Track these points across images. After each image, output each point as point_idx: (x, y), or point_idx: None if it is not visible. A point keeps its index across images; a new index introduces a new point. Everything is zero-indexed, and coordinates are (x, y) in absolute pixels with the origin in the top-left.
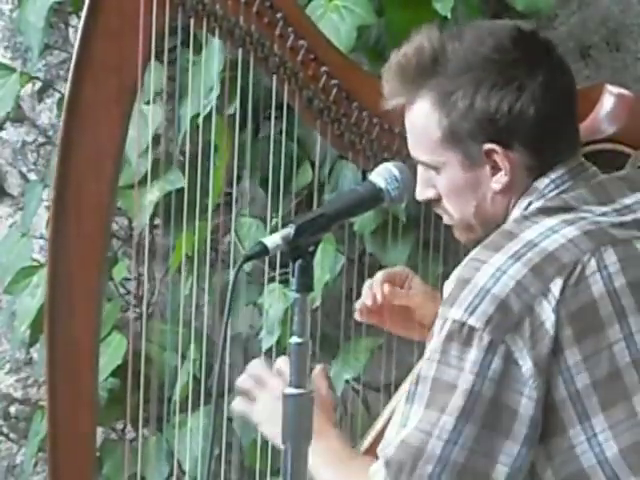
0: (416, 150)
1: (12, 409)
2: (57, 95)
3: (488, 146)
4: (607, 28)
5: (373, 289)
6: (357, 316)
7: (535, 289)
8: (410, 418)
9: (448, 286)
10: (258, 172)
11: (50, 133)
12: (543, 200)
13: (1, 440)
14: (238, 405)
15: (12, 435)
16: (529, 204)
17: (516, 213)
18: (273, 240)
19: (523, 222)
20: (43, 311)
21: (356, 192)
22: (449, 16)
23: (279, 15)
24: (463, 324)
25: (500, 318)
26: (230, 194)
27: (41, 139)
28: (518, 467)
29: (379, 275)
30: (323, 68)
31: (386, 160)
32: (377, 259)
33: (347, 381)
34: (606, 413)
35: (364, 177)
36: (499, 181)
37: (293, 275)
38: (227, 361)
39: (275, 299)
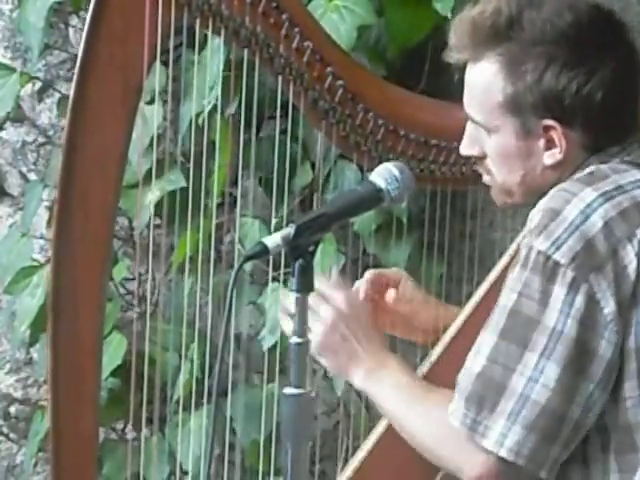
0: (471, 108)
1: (12, 409)
2: (57, 95)
3: (548, 122)
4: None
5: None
6: None
7: (621, 232)
8: (484, 346)
9: (535, 214)
10: (259, 172)
11: (50, 133)
12: (620, 157)
13: (1, 440)
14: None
15: (12, 435)
16: (601, 162)
17: (580, 174)
18: (273, 240)
19: (612, 167)
20: (43, 311)
21: (356, 192)
22: (449, 16)
23: (285, 16)
24: (548, 257)
25: (585, 257)
26: (231, 194)
27: (41, 139)
28: (591, 408)
29: (368, 274)
30: (328, 69)
31: (391, 161)
32: (378, 259)
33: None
34: None
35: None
36: (552, 156)
37: (293, 275)
38: (228, 361)
39: (276, 299)
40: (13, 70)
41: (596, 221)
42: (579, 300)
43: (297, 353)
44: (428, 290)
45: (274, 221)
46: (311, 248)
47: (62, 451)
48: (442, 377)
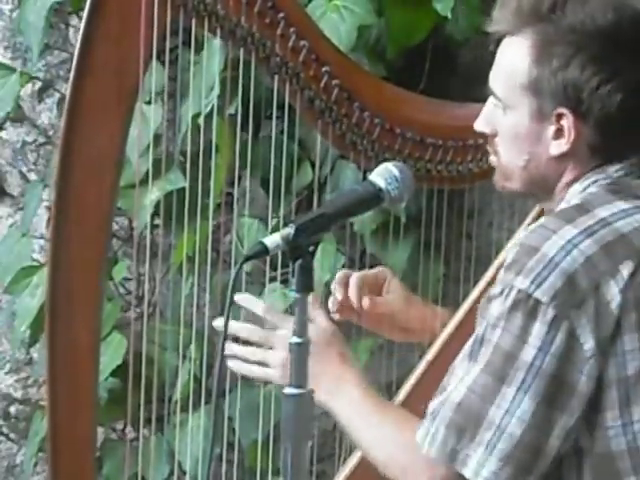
0: (495, 82)
1: (12, 409)
2: (57, 95)
3: (562, 110)
4: None
5: (341, 283)
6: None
7: (604, 268)
8: (467, 377)
9: (512, 250)
10: (259, 172)
11: (50, 133)
12: (610, 180)
13: (1, 440)
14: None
15: (12, 435)
16: (594, 182)
17: (577, 187)
18: (273, 240)
19: (595, 199)
20: (43, 311)
21: (356, 192)
22: (449, 16)
23: (281, 15)
24: (529, 295)
25: (566, 294)
26: (230, 194)
27: (41, 139)
28: (568, 439)
29: (354, 278)
30: (324, 68)
31: (388, 160)
32: (377, 259)
33: None
34: None
35: (364, 177)
36: (559, 147)
37: (293, 275)
38: (227, 361)
39: (275, 299)
40: (13, 70)
41: (577, 257)
42: (560, 337)
43: (297, 353)
44: (427, 290)
45: (273, 221)
46: (311, 248)
47: (60, 452)
48: (438, 376)
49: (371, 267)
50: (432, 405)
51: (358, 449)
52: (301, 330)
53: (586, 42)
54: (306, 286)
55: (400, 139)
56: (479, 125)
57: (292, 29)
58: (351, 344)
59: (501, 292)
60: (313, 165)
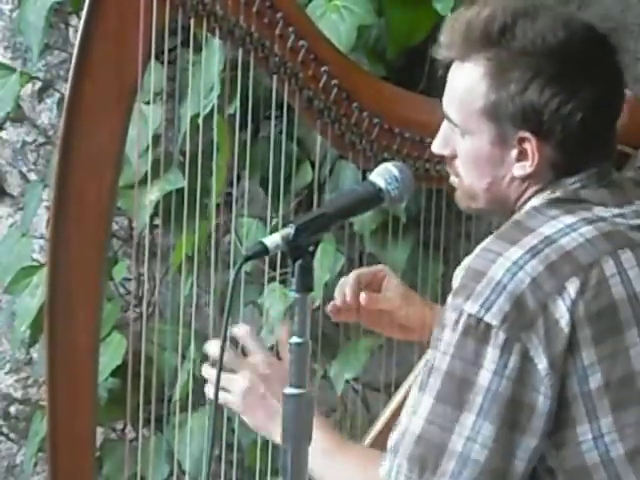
0: (450, 107)
1: (12, 409)
2: (57, 95)
3: (525, 134)
4: (607, 28)
5: (344, 289)
6: (332, 316)
7: (550, 287)
8: (421, 408)
9: (459, 274)
10: (258, 172)
11: (50, 133)
12: (561, 193)
13: (1, 440)
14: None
15: (12, 435)
16: (543, 195)
17: (534, 202)
18: (273, 240)
19: (539, 216)
20: (43, 311)
21: (356, 192)
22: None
23: (279, 15)
24: (479, 320)
25: (516, 316)
26: (230, 194)
27: (41, 139)
28: (533, 459)
29: (352, 275)
30: (323, 68)
31: (386, 160)
32: (377, 259)
33: (347, 381)
34: (616, 415)
35: (364, 177)
36: (522, 169)
37: (293, 275)
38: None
39: (275, 299)
40: (13, 70)
41: (523, 278)
42: (513, 360)
43: (297, 353)
44: (426, 290)
45: (273, 221)
46: (311, 248)
47: (59, 452)
48: None
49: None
50: (392, 440)
51: None
52: (301, 330)
53: (541, 64)
54: (306, 286)
55: (399, 139)
56: (436, 148)
57: (291, 29)
58: (351, 344)
59: (451, 317)
60: (313, 165)
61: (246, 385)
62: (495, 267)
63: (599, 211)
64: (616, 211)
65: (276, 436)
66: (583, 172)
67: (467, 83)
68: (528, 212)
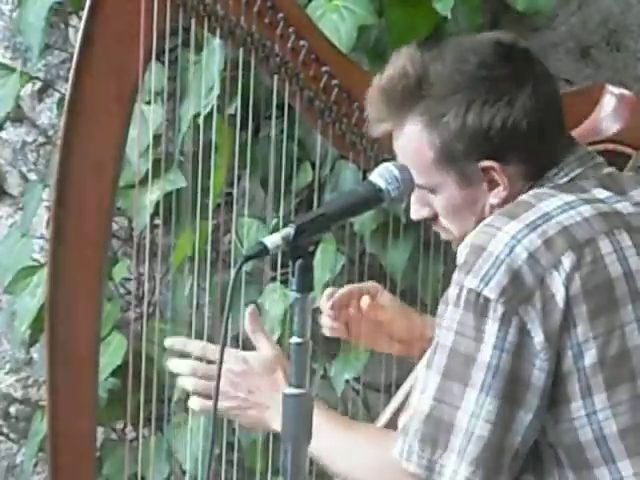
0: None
1: (12, 409)
2: (57, 95)
3: (485, 163)
4: (607, 28)
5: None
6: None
7: (546, 261)
8: (429, 386)
9: (463, 250)
10: (258, 172)
11: (50, 133)
12: (555, 181)
13: (1, 440)
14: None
15: (12, 435)
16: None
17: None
18: (273, 240)
19: (539, 194)
20: (43, 311)
21: (356, 192)
22: (449, 16)
23: (280, 15)
24: (479, 294)
25: (513, 289)
26: (230, 194)
27: (41, 139)
28: (530, 434)
29: (342, 289)
30: (324, 68)
31: (387, 160)
32: (377, 259)
33: (347, 381)
34: (609, 392)
35: (364, 177)
36: (498, 195)
37: (293, 275)
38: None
39: (275, 299)
40: (13, 70)
41: (520, 252)
42: (511, 333)
43: (297, 353)
44: (427, 290)
45: (273, 221)
46: (311, 248)
47: (60, 451)
48: None
49: (371, 267)
50: (402, 420)
51: (334, 474)
52: (301, 330)
53: (468, 93)
54: (306, 286)
55: None
56: (415, 214)
57: (291, 29)
58: (351, 344)
59: (453, 293)
60: (313, 165)
61: (225, 389)
62: (494, 242)
63: (597, 193)
64: (615, 197)
65: (275, 426)
66: (561, 162)
67: (412, 144)
68: (529, 193)
